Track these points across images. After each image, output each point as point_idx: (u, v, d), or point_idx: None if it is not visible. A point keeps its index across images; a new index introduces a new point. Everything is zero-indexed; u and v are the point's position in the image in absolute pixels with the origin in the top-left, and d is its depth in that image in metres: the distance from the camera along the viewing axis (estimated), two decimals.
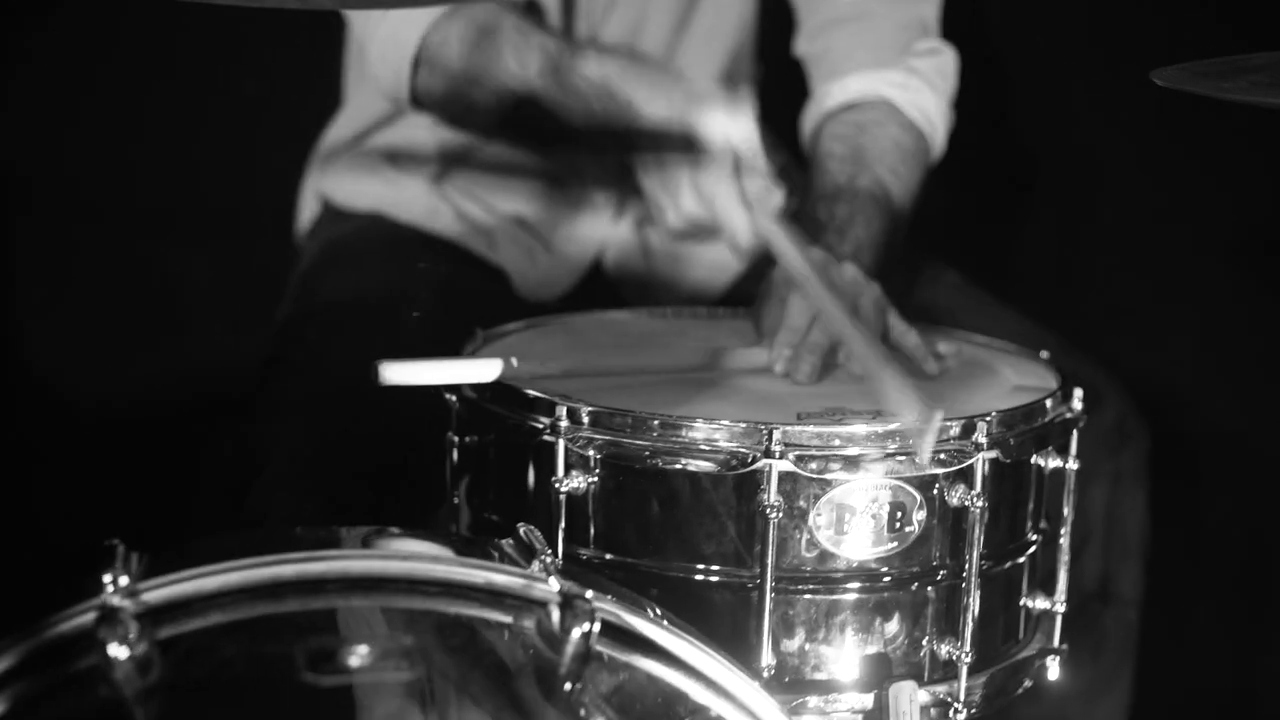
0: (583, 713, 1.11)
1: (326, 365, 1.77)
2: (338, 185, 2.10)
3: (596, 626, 1.11)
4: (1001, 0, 2.49)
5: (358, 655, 1.08)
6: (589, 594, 1.13)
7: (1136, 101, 2.32)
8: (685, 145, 1.66)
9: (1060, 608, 1.53)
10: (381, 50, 1.87)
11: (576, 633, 1.10)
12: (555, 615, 1.12)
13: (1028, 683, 1.53)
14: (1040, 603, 1.52)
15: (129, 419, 2.36)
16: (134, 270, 2.40)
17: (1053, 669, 1.54)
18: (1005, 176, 2.58)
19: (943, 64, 2.02)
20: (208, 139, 2.44)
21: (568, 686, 1.10)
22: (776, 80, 1.98)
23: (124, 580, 1.11)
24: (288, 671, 1.07)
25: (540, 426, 1.39)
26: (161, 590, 1.13)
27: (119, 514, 2.20)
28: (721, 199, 1.64)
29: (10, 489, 2.27)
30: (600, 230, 2.04)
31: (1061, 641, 1.55)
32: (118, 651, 1.04)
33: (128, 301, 2.42)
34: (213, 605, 1.13)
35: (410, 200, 2.02)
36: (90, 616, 1.09)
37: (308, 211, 2.17)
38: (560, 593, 1.13)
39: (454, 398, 1.51)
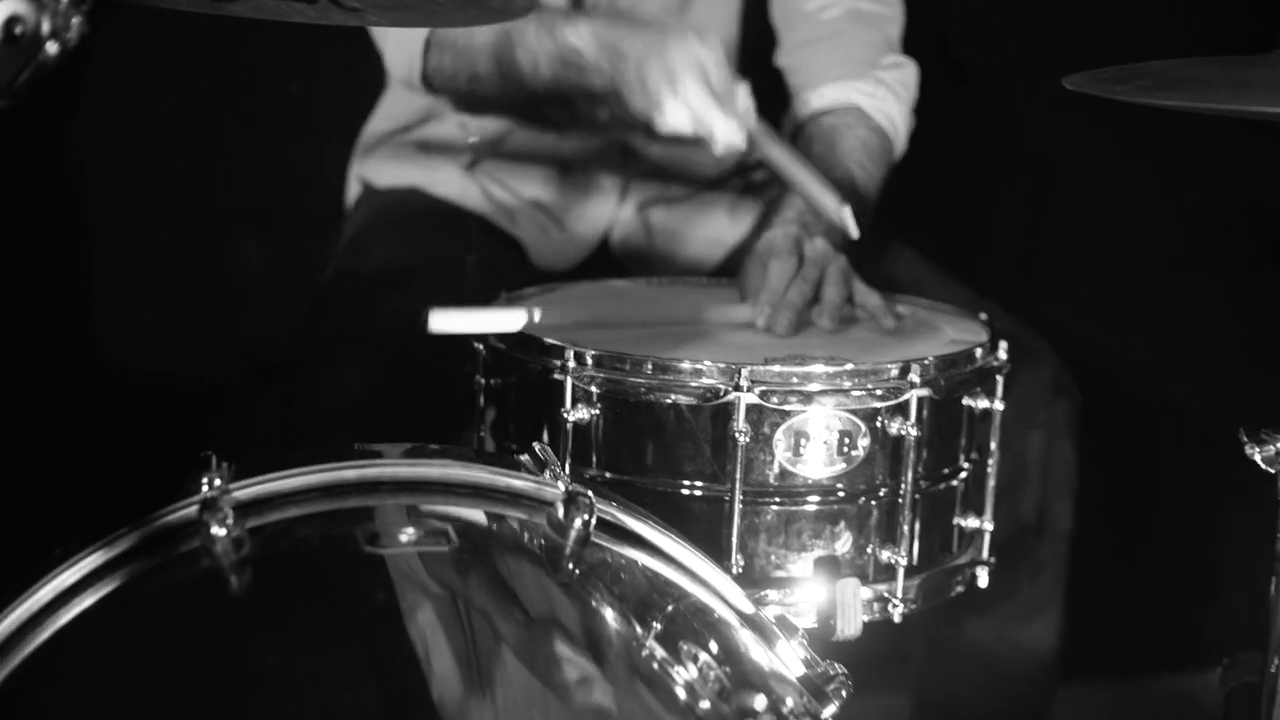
0: (582, 587, 1.39)
1: (368, 320, 2.06)
2: (377, 171, 2.39)
3: (595, 517, 1.39)
4: (960, 13, 2.77)
5: (404, 534, 1.37)
6: (590, 493, 1.42)
7: (1087, 102, 2.60)
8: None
9: (989, 526, 1.82)
10: (398, 37, 2.16)
11: (578, 521, 1.38)
12: (561, 509, 1.41)
13: (960, 588, 1.82)
14: (971, 521, 1.81)
15: (192, 387, 2.63)
16: (197, 256, 2.68)
17: (982, 577, 1.83)
18: (966, 170, 2.86)
19: (905, 76, 2.31)
20: (259, 138, 2.71)
21: (570, 565, 1.39)
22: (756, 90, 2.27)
23: (218, 481, 1.41)
24: (351, 546, 1.36)
25: (552, 367, 1.69)
26: (249, 489, 1.42)
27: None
28: (700, 108, 1.91)
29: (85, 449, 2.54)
30: (607, 212, 2.33)
31: (990, 555, 1.84)
32: (218, 530, 1.33)
33: (191, 284, 2.69)
34: (289, 501, 1.42)
35: (443, 181, 2.31)
36: (194, 508, 1.39)
37: (352, 195, 2.46)
38: (566, 492, 1.42)
39: (481, 346, 1.80)
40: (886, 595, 1.71)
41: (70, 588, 1.38)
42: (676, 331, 1.84)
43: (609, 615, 1.36)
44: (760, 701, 1.34)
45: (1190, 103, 1.58)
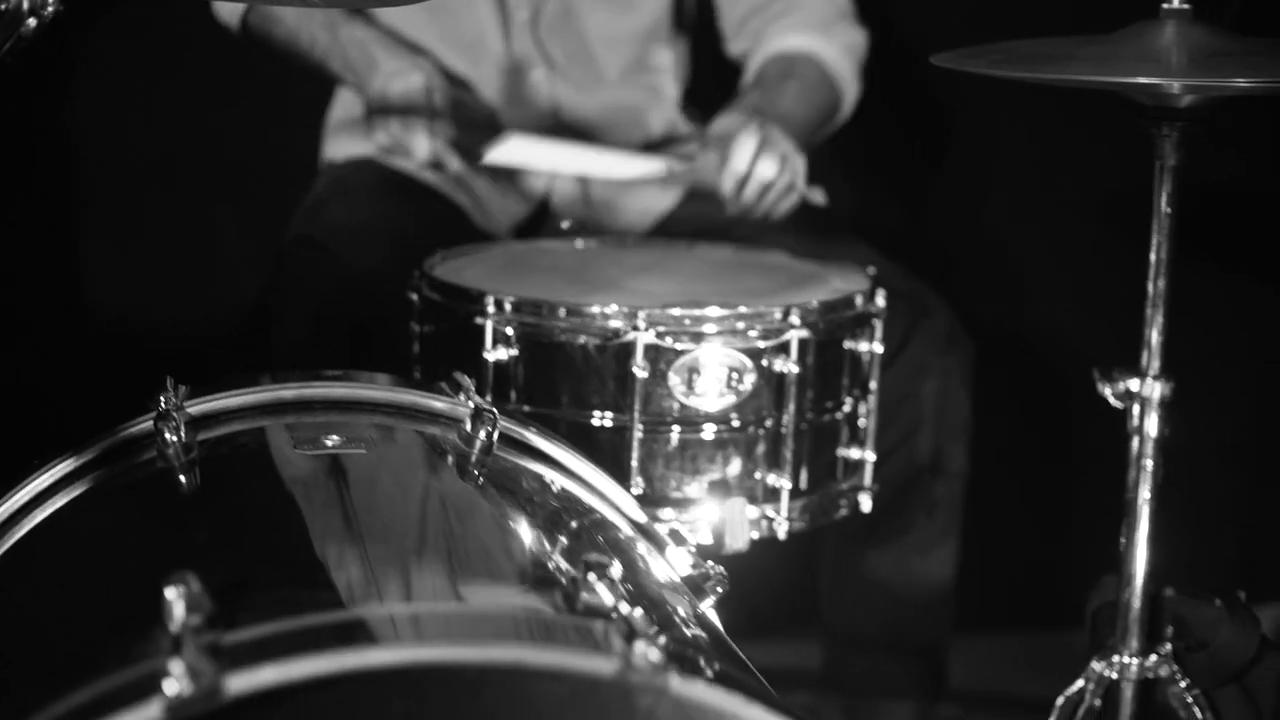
0: (486, 490, 1.60)
1: (324, 272, 2.28)
2: (336, 148, 2.62)
3: (498, 429, 1.61)
4: None
5: (332, 440, 1.58)
6: (495, 410, 1.64)
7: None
8: None
9: (871, 457, 2.04)
10: None
11: (482, 433, 1.60)
12: (469, 423, 1.62)
13: (844, 512, 2.03)
14: (854, 452, 2.03)
15: (166, 338, 2.85)
16: (178, 220, 2.92)
17: (865, 503, 2.05)
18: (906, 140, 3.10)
19: (855, 40, 2.55)
20: (238, 113, 2.94)
21: (476, 472, 1.60)
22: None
23: (173, 399, 1.62)
24: (285, 451, 1.58)
25: (473, 312, 1.91)
26: (199, 406, 1.64)
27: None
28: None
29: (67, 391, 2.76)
30: (543, 181, 2.55)
31: (873, 483, 2.05)
32: (171, 437, 1.55)
33: (171, 246, 2.93)
34: (234, 416, 1.65)
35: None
36: (150, 421, 1.60)
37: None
38: (474, 408, 1.63)
39: (415, 296, 2.02)
40: (772, 515, 1.92)
41: (44, 490, 1.60)
42: (588, 280, 2.06)
43: (509, 511, 1.57)
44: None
45: (1031, 74, 1.81)
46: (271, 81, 2.80)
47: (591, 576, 1.25)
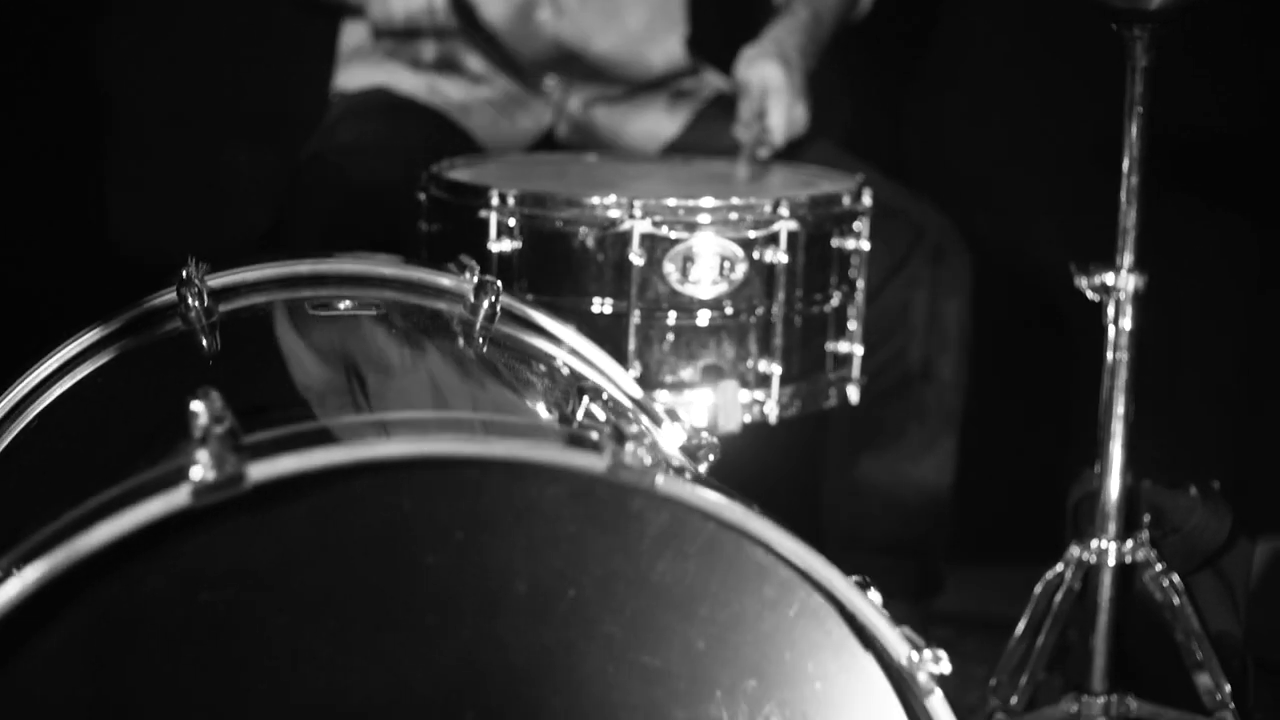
0: (489, 357, 1.70)
1: (334, 186, 2.38)
2: (349, 78, 2.71)
3: (501, 299, 1.70)
4: None
5: (345, 304, 1.68)
6: (498, 282, 1.73)
7: None
8: None
9: (858, 350, 2.13)
10: None
11: (485, 302, 1.69)
12: (472, 295, 1.71)
13: (832, 401, 2.12)
14: (842, 346, 2.12)
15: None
16: (196, 155, 3.03)
17: (853, 394, 2.14)
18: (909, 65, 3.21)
19: None
20: (253, 54, 3.05)
21: (479, 339, 1.69)
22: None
23: (195, 273, 1.72)
24: (297, 310, 1.67)
25: (478, 206, 2.00)
26: (219, 279, 1.73)
27: None
28: None
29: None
30: (550, 109, 2.65)
31: (861, 374, 2.14)
32: (193, 302, 1.64)
33: (191, 179, 3.05)
34: (252, 288, 1.74)
35: (403, 80, 2.63)
36: (172, 292, 1.70)
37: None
38: (478, 281, 1.73)
39: (423, 196, 2.12)
40: (762, 399, 2.02)
41: (73, 357, 1.70)
42: (588, 180, 2.16)
43: (511, 365, 1.66)
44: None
45: None
46: (284, 21, 2.90)
47: (586, 399, 1.34)
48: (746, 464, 2.05)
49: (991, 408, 2.73)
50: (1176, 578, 2.11)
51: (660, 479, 1.24)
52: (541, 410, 1.54)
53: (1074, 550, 2.10)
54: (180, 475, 1.18)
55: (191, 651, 1.22)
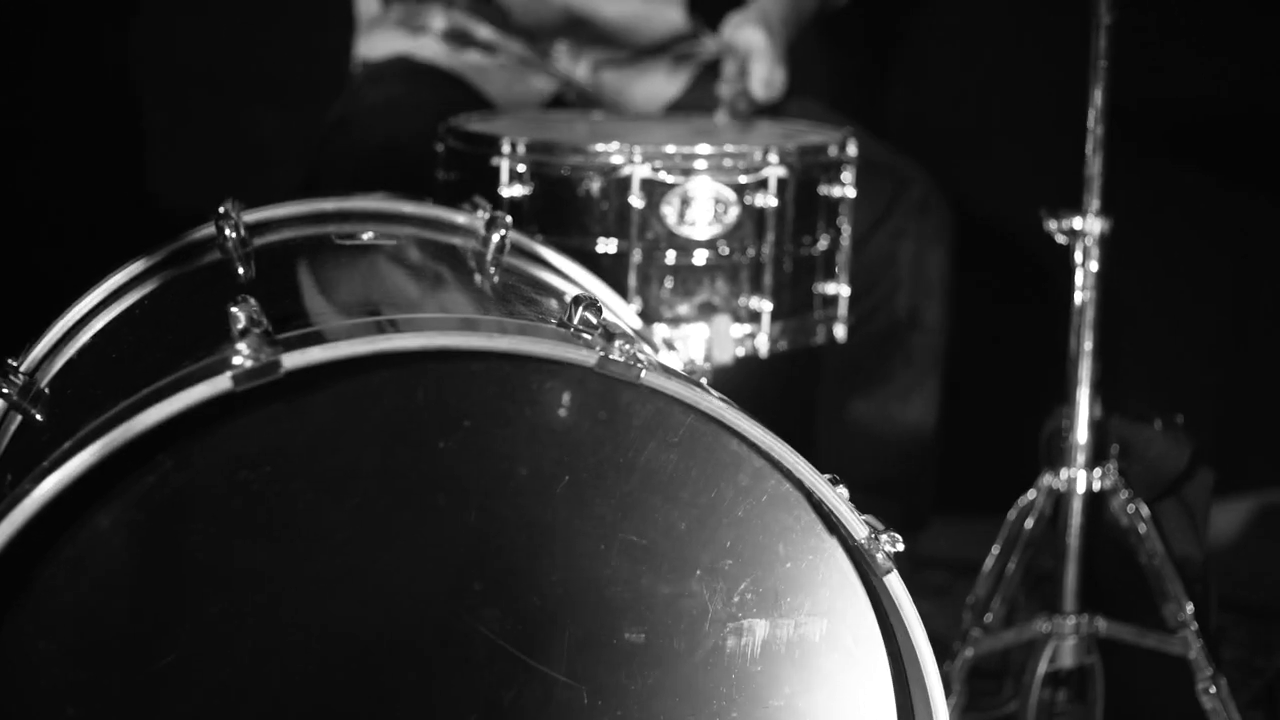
0: (499, 285, 1.85)
1: (359, 145, 2.54)
2: (370, 47, 2.88)
3: (510, 233, 1.86)
4: None
5: (368, 235, 1.84)
6: (509, 219, 1.89)
7: None
8: None
9: (845, 291, 2.28)
10: None
11: (495, 235, 1.85)
12: (484, 230, 1.87)
13: (820, 339, 2.28)
14: (830, 287, 2.28)
15: None
16: (227, 118, 3.21)
17: (839, 332, 2.29)
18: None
19: None
20: (279, 23, 3.23)
21: (491, 268, 1.85)
22: None
23: (231, 209, 1.88)
24: (324, 241, 1.84)
25: (490, 154, 2.16)
26: (252, 214, 1.89)
27: None
28: None
29: None
30: (560, 71, 2.81)
31: (850, 315, 2.30)
32: (230, 233, 1.80)
33: (223, 142, 3.23)
34: (283, 223, 1.91)
35: (424, 47, 2.79)
36: (210, 226, 1.86)
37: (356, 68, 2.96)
38: (489, 217, 1.89)
39: (441, 146, 2.28)
40: (754, 334, 2.18)
41: (121, 286, 1.87)
42: (594, 132, 2.32)
43: (518, 287, 1.82)
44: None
45: None
46: None
47: (580, 307, 1.50)
48: (744, 404, 2.22)
49: (978, 354, 2.89)
50: (1142, 505, 2.26)
51: (644, 373, 1.40)
52: (544, 310, 1.70)
53: (1045, 479, 2.26)
54: (223, 364, 1.34)
55: (231, 524, 1.39)
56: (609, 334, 1.42)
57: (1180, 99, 3.31)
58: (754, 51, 2.54)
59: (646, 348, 1.62)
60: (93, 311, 1.85)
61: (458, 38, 2.78)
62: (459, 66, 2.78)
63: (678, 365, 1.90)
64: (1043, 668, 2.27)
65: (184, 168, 3.21)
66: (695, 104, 2.75)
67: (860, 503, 2.62)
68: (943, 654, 2.31)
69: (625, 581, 1.46)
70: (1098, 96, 2.16)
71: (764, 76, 2.53)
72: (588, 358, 1.39)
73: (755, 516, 1.49)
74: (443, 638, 1.42)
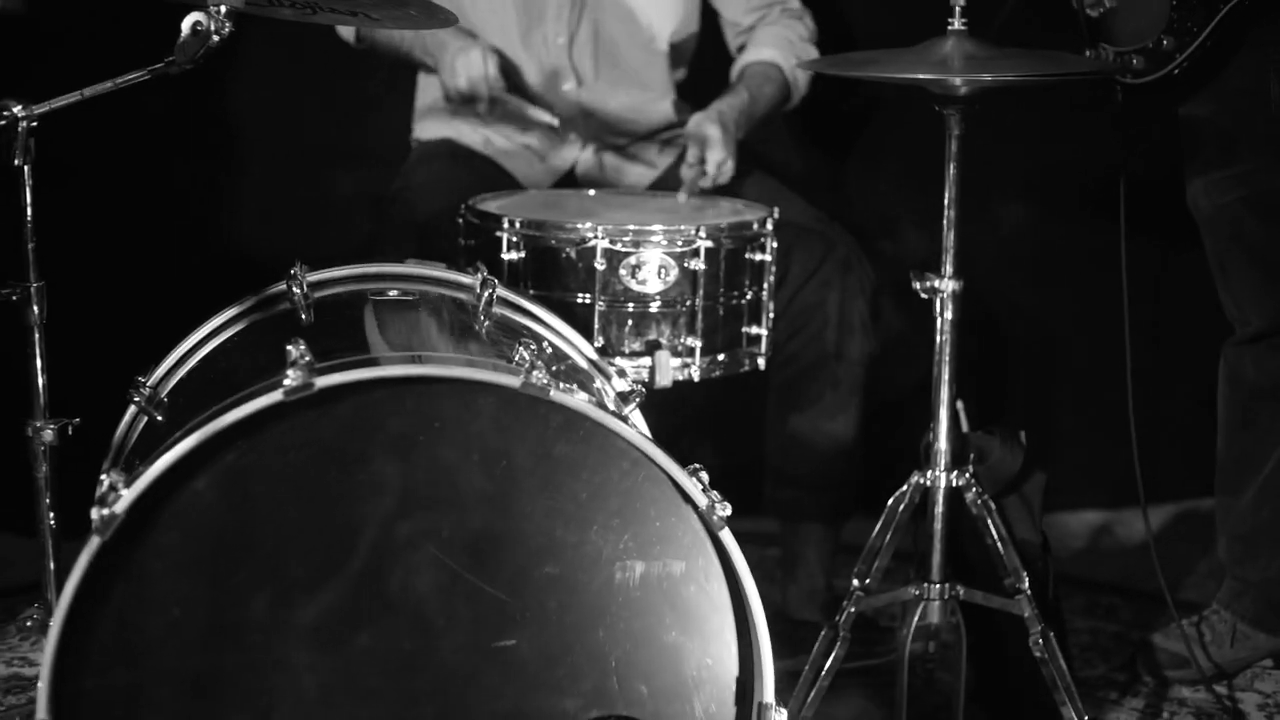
0: (484, 321, 2.57)
1: (411, 214, 3.30)
2: (423, 130, 3.64)
3: (499, 291, 2.59)
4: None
5: (393, 292, 2.59)
6: (495, 280, 2.62)
7: None
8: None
9: (765, 332, 3.00)
10: None
11: (486, 293, 2.59)
12: (478, 287, 2.61)
13: (746, 367, 3.00)
14: (754, 329, 2.99)
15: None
16: (305, 183, 4.00)
17: (760, 362, 3.01)
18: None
19: (810, 56, 3.53)
20: (354, 105, 4.01)
21: (483, 317, 2.58)
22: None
23: (299, 272, 2.63)
24: (364, 298, 2.59)
25: (495, 228, 2.91)
26: (314, 275, 2.64)
27: None
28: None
29: None
30: (573, 153, 3.56)
31: (767, 351, 3.02)
32: (296, 290, 2.56)
33: (303, 203, 4.01)
34: (336, 282, 2.65)
35: (464, 134, 3.55)
36: (284, 284, 2.62)
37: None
38: (481, 278, 2.63)
39: (461, 220, 3.02)
40: (689, 363, 2.90)
41: (217, 327, 2.63)
42: (576, 212, 3.07)
43: (496, 333, 2.56)
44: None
45: (861, 73, 2.77)
46: (377, 81, 3.85)
47: (520, 347, 2.24)
48: (714, 421, 2.95)
49: (891, 381, 3.59)
50: (990, 499, 2.95)
51: (553, 393, 2.14)
52: (504, 351, 2.42)
53: (915, 477, 2.95)
54: (278, 384, 2.09)
55: (283, 488, 2.13)
56: (531, 365, 2.15)
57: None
58: (709, 142, 3.26)
59: (565, 379, 2.35)
60: (199, 344, 2.61)
61: (498, 119, 3.52)
62: (492, 151, 3.53)
63: (625, 387, 2.63)
64: (914, 623, 2.96)
65: (267, 224, 3.98)
66: (674, 179, 3.48)
67: (796, 498, 3.35)
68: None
69: (546, 533, 2.19)
70: (952, 185, 2.84)
71: (717, 160, 3.24)
72: (513, 381, 2.13)
73: (635, 489, 2.21)
74: (427, 564, 2.15)
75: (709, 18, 3.67)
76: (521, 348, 2.23)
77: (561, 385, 2.17)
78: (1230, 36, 3.04)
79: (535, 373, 2.14)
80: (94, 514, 2.07)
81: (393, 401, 2.14)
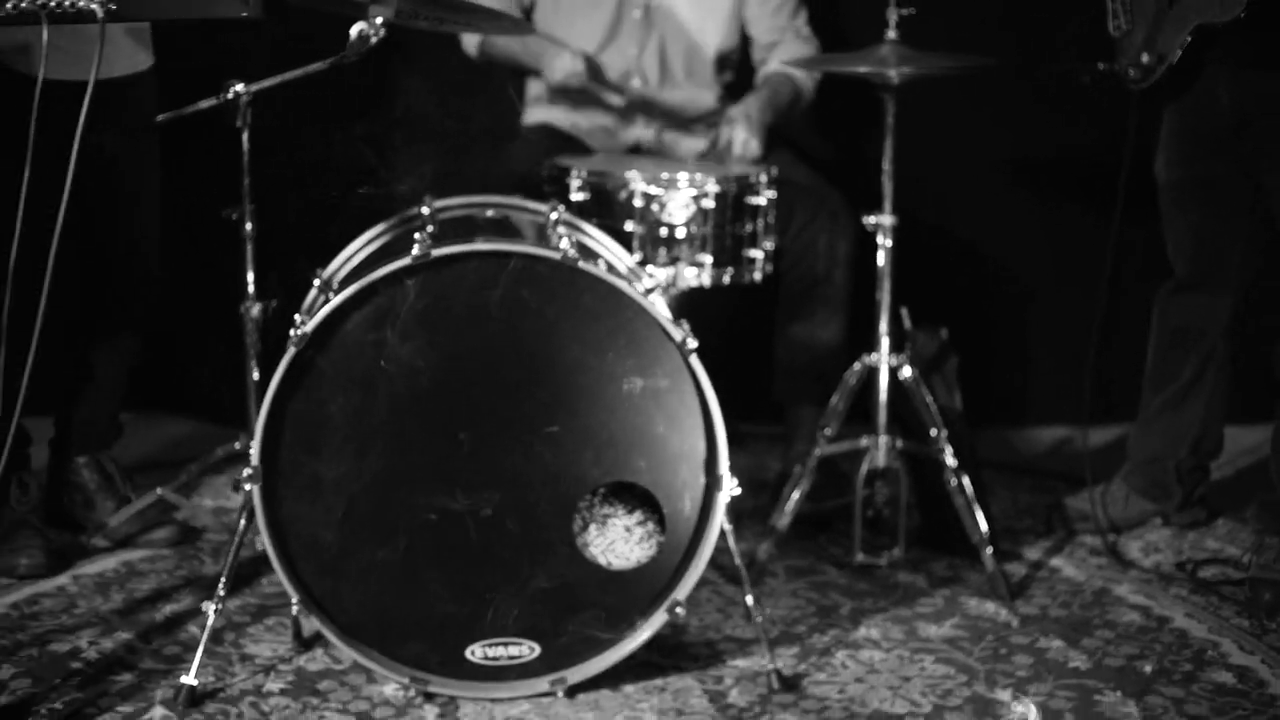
0: (563, 242, 3.77)
1: (520, 168, 4.50)
2: (530, 116, 4.87)
3: (563, 215, 3.80)
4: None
5: (490, 212, 3.82)
6: (562, 209, 3.83)
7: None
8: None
9: (762, 254, 4.17)
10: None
11: (553, 214, 3.80)
12: (550, 212, 3.82)
13: (746, 280, 4.17)
14: (754, 253, 4.16)
15: None
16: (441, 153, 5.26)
17: (758, 276, 4.18)
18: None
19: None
20: (476, 102, 5.26)
21: (549, 229, 3.79)
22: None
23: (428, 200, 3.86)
24: (474, 215, 3.82)
25: (564, 173, 4.12)
26: (440, 202, 3.88)
27: None
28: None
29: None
30: (637, 132, 4.77)
31: (770, 267, 4.19)
32: (425, 209, 3.80)
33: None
34: (456, 208, 3.89)
35: (557, 118, 4.77)
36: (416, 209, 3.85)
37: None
38: (552, 205, 3.84)
39: (548, 172, 4.24)
40: (701, 273, 4.09)
41: (371, 237, 3.87)
42: (636, 164, 4.28)
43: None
44: None
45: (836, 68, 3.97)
46: (497, 81, 5.10)
47: (565, 239, 3.45)
48: (734, 328, 4.16)
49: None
50: (918, 375, 4.10)
51: (581, 263, 3.34)
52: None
53: (863, 357, 4.11)
54: (406, 254, 3.32)
55: (411, 324, 3.35)
56: (569, 249, 3.35)
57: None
58: (736, 126, 4.44)
59: (604, 260, 3.55)
60: (360, 249, 3.86)
61: (587, 103, 4.74)
62: (577, 132, 4.76)
63: (654, 282, 3.82)
64: (865, 468, 4.12)
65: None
66: (714, 153, 4.67)
67: (795, 386, 4.55)
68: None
69: (578, 358, 3.38)
70: (888, 157, 4.01)
71: (741, 140, 4.42)
72: (554, 254, 3.34)
73: (638, 330, 3.39)
74: (499, 376, 3.36)
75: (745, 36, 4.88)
76: (564, 240, 3.44)
77: (584, 261, 3.38)
78: (1194, 56, 4.06)
79: (569, 250, 3.34)
80: (291, 333, 3.31)
81: (482, 268, 3.35)
